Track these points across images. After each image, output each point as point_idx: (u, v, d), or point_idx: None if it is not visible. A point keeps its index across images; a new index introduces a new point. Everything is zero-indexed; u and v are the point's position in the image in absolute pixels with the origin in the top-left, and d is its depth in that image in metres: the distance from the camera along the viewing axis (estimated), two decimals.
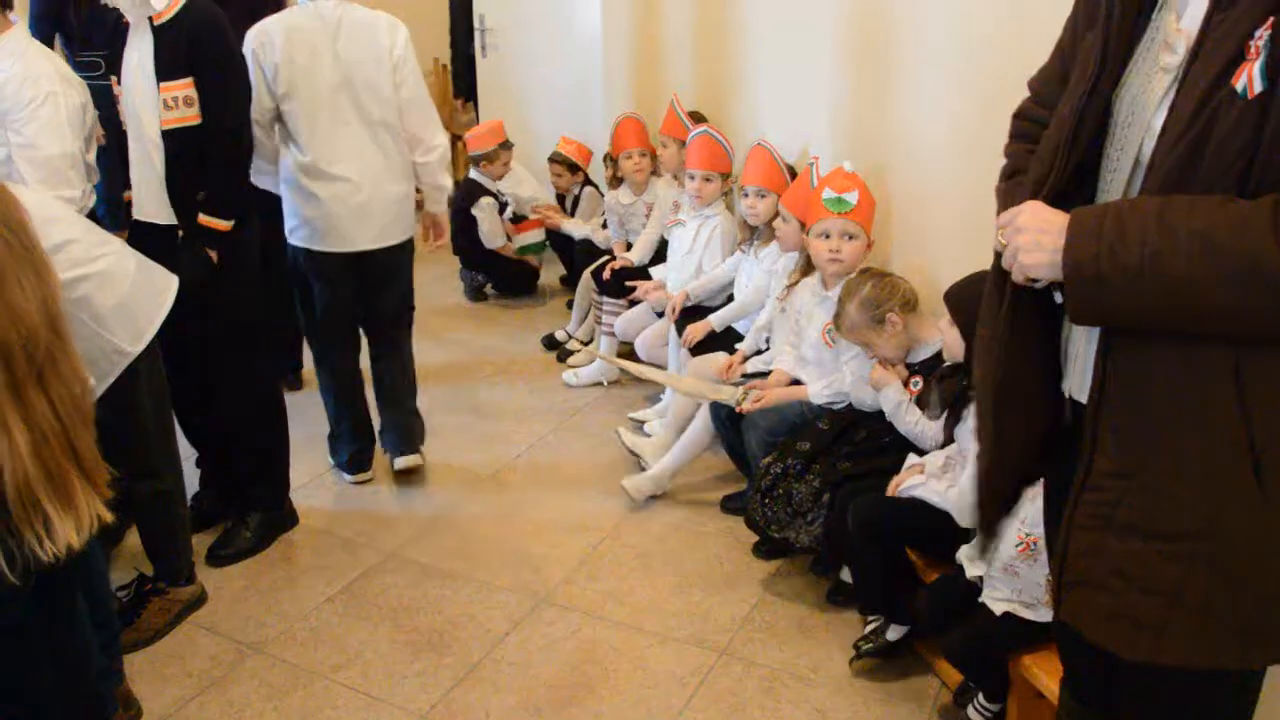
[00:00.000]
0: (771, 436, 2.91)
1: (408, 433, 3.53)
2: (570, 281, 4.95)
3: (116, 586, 2.77)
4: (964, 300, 2.28)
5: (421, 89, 3.24)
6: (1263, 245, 1.12)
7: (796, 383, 3.08)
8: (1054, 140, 1.38)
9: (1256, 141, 1.15)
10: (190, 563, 2.84)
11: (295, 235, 3.22)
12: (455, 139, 6.23)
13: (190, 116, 2.71)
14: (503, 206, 5.12)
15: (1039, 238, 1.28)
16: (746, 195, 3.48)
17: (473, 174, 5.13)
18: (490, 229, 5.02)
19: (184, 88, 2.68)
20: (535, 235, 5.13)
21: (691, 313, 3.73)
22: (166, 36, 2.68)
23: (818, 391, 2.96)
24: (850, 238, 2.94)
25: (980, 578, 2.27)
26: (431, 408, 3.92)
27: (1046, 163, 1.38)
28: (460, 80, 6.28)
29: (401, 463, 3.49)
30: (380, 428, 3.59)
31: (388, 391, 3.51)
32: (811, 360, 3.04)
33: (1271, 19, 1.15)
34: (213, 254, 2.80)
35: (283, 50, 2.98)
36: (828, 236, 2.95)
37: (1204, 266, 1.15)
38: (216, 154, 2.76)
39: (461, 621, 2.80)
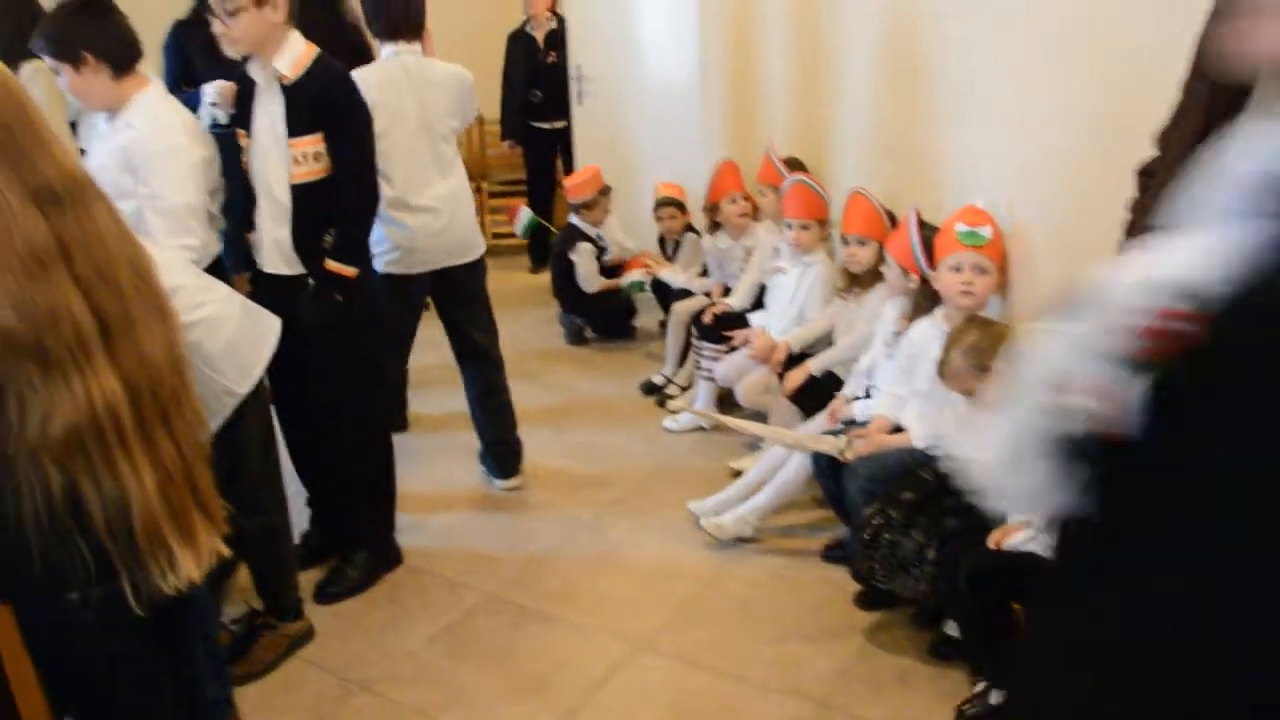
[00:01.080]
0: (872, 485, 2.87)
1: (512, 456, 3.84)
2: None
3: (230, 620, 2.86)
4: None
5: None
6: None
7: (898, 429, 3.04)
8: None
9: None
10: (298, 598, 2.92)
11: (378, 261, 3.39)
12: (531, 185, 6.52)
13: (318, 170, 2.82)
14: (601, 251, 5.20)
15: None
16: (847, 243, 3.48)
17: (572, 219, 5.23)
18: (587, 273, 5.11)
19: (314, 144, 2.79)
20: (641, 274, 5.18)
21: (792, 362, 3.71)
22: (296, 95, 2.79)
23: (921, 435, 2.92)
24: (982, 272, 2.91)
25: None
26: (531, 451, 3.97)
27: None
28: (511, 123, 6.43)
29: (505, 484, 3.83)
30: (482, 451, 3.86)
31: (492, 415, 3.77)
32: (924, 394, 2.99)
33: None
34: (339, 298, 2.89)
35: (377, 94, 3.19)
36: (959, 270, 2.92)
37: None
38: (351, 203, 2.88)
39: (561, 665, 2.81)
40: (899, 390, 3.10)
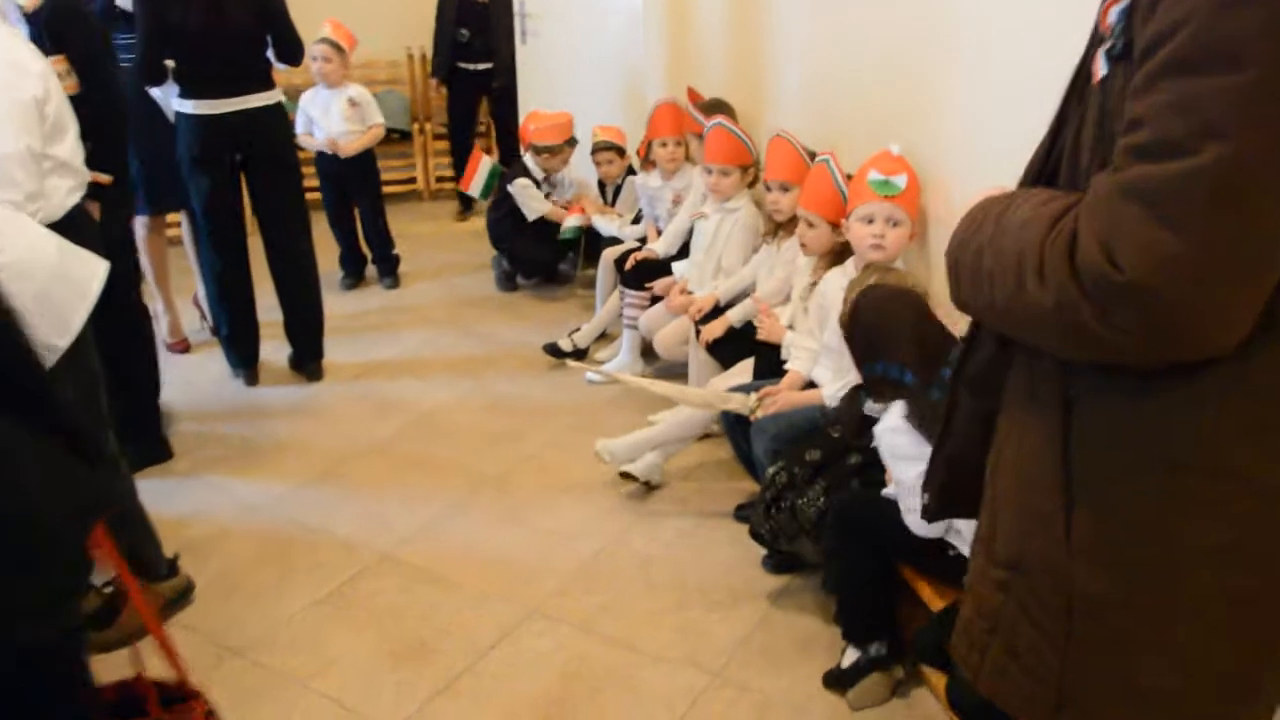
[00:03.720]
0: (778, 444, 2.72)
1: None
2: None
3: (102, 583, 2.70)
4: None
5: None
6: (1032, 243, 1.05)
7: (811, 385, 2.89)
8: (1042, 141, 1.29)
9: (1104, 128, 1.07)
10: (160, 555, 2.75)
11: None
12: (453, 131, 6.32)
13: (68, 87, 2.88)
14: (545, 194, 4.99)
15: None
16: (770, 190, 3.29)
17: (526, 159, 5.00)
18: (526, 199, 4.90)
19: (57, 64, 2.94)
20: (577, 220, 4.95)
21: (715, 313, 3.54)
22: (35, 21, 3.03)
23: (833, 394, 2.76)
24: (895, 224, 2.70)
25: None
26: (448, 404, 3.85)
27: (1032, 164, 1.29)
28: (439, 61, 6.23)
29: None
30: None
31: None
32: (834, 349, 2.84)
33: None
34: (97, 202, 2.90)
35: None
36: (871, 221, 2.71)
37: (996, 260, 1.11)
38: (93, 117, 2.93)
39: (449, 630, 2.68)
40: (812, 344, 2.94)
